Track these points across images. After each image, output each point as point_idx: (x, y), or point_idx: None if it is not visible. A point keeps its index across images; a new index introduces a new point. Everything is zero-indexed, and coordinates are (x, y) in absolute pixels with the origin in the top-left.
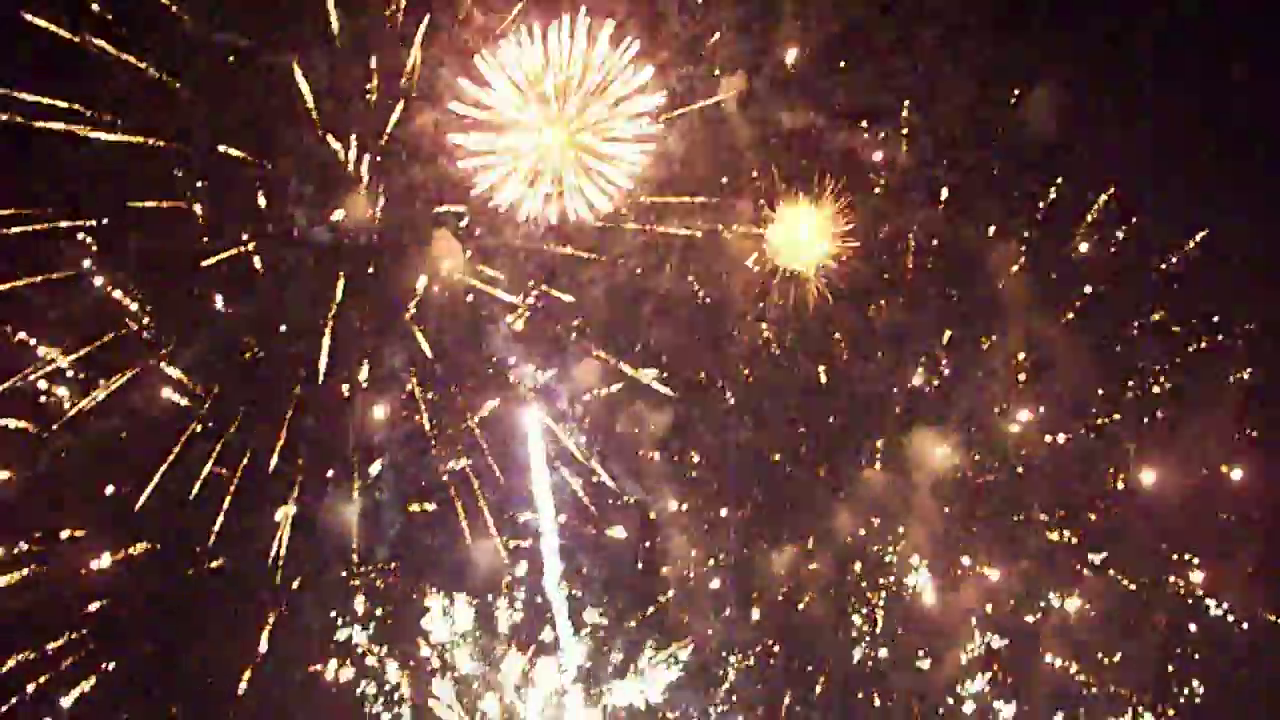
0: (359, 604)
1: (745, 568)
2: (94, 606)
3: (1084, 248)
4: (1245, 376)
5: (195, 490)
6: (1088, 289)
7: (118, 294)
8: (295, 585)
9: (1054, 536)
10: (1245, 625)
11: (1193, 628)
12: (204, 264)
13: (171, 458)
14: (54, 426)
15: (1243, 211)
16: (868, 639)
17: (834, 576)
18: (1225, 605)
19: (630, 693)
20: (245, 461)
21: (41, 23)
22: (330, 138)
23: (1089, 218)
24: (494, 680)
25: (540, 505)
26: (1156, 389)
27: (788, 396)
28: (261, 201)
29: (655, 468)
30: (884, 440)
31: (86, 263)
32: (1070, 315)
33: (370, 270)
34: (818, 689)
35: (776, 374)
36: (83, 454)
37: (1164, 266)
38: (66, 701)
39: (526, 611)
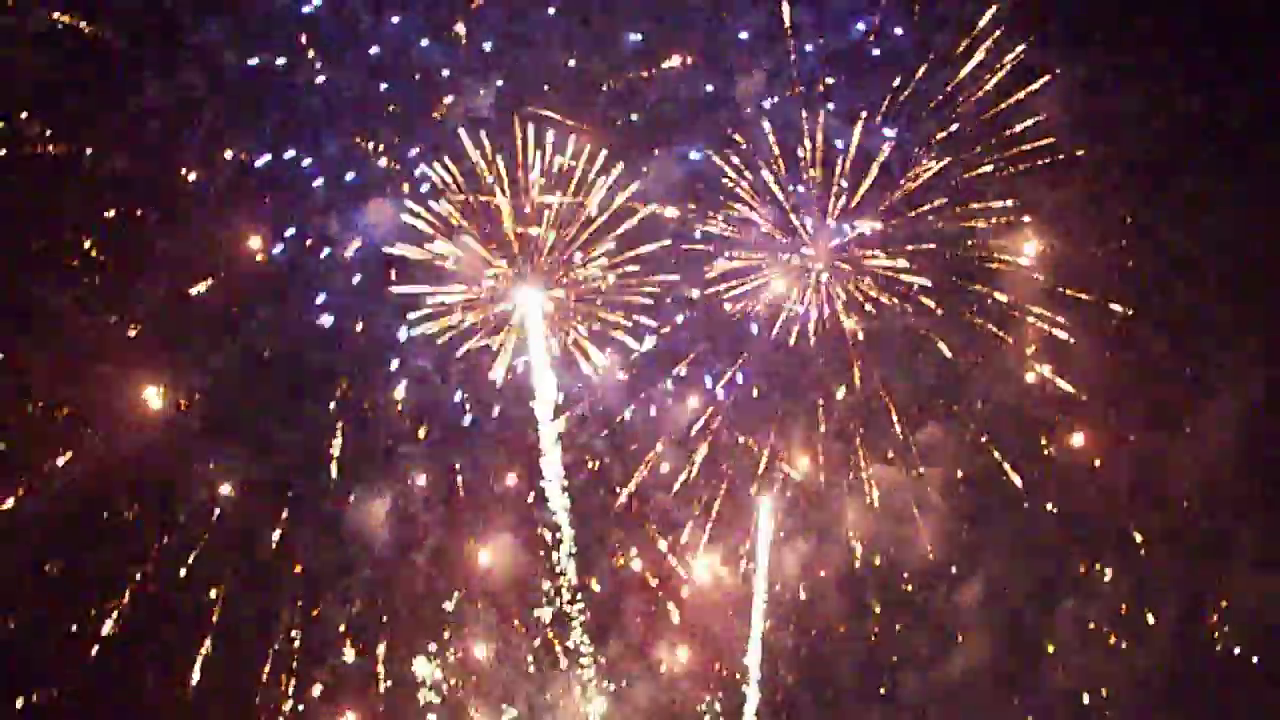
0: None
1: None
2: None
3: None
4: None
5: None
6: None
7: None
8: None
9: (1066, 539)
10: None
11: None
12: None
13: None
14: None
15: (1257, 210)
16: (880, 638)
17: (847, 575)
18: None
19: (649, 692)
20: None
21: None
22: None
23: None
24: (516, 683)
25: (555, 507)
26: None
27: (804, 396)
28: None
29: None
30: (897, 439)
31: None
32: (1084, 315)
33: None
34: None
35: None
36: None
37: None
38: None
39: (546, 613)
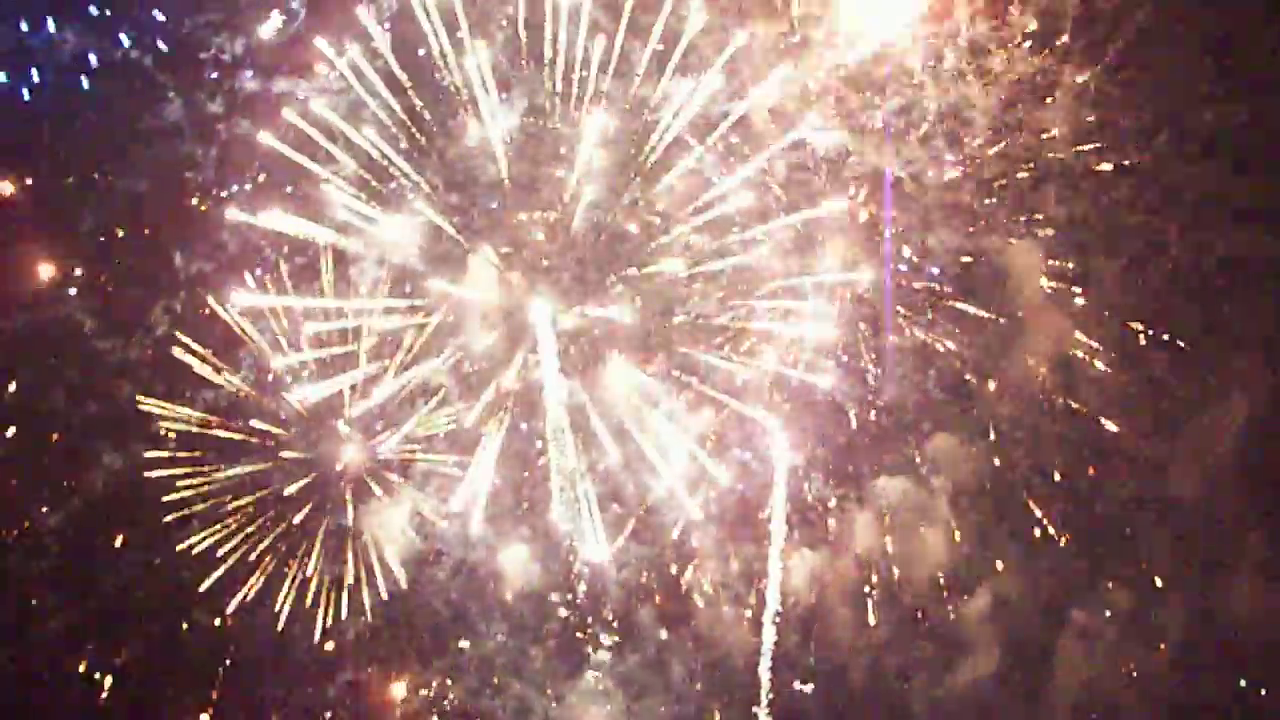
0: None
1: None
2: None
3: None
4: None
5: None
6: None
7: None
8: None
9: (1074, 547)
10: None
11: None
12: None
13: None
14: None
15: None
16: (889, 650)
17: (855, 586)
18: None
19: (661, 705)
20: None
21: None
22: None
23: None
24: (531, 695)
25: (567, 519)
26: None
27: (815, 408)
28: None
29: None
30: (907, 451)
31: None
32: (1094, 326)
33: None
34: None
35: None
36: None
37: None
38: None
39: (563, 624)
